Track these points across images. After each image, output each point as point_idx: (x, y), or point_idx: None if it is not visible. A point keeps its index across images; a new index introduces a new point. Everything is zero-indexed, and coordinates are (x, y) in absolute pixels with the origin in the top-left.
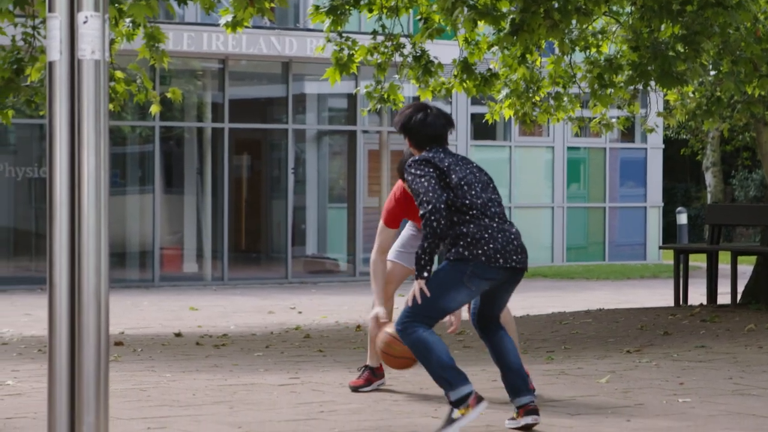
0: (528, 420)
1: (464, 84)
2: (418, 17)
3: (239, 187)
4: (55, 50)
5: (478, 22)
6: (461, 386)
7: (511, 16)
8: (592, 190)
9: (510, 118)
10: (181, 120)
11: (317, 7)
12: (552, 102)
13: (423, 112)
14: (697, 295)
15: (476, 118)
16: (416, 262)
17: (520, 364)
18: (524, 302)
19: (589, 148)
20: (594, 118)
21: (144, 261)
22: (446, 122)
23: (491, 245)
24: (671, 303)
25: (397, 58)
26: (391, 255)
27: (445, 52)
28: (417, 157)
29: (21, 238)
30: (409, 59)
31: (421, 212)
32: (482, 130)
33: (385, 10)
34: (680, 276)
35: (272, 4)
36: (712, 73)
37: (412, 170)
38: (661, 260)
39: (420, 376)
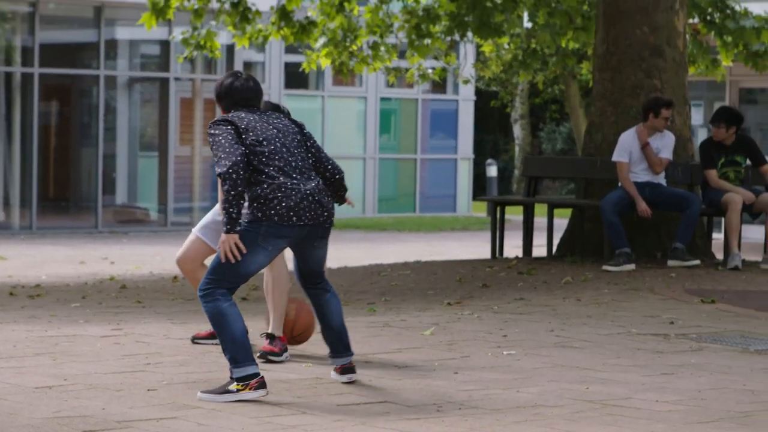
0: (344, 378)
1: (282, 31)
2: None
3: (48, 134)
4: None
5: None
6: (247, 366)
7: None
8: (402, 141)
9: (326, 67)
10: None
11: None
12: (369, 52)
13: (232, 78)
14: (511, 247)
15: (289, 67)
16: (225, 215)
17: (341, 325)
18: (338, 253)
19: (400, 99)
20: (410, 68)
21: None
22: (254, 87)
23: (284, 203)
24: (484, 255)
25: (214, 4)
26: (196, 229)
27: None
28: (216, 119)
29: None
30: (227, 5)
31: (218, 170)
32: (295, 78)
33: None
34: (497, 228)
35: None
36: (529, 25)
37: (210, 131)
38: (471, 212)
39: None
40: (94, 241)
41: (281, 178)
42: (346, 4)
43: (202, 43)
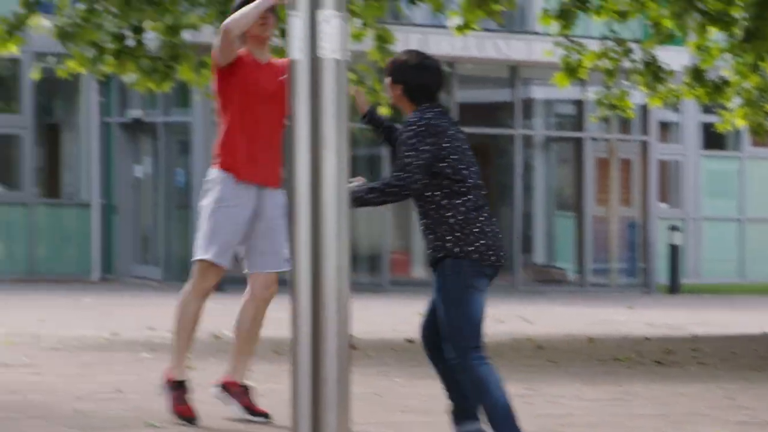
0: None
1: (695, 91)
2: (648, 22)
3: None
4: (297, 49)
5: (709, 28)
6: None
7: (744, 23)
8: None
9: (743, 127)
10: None
11: (546, 11)
12: None
13: (422, 59)
14: None
15: (707, 127)
16: (368, 195)
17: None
18: (763, 318)
19: None
20: None
21: (373, 264)
22: (443, 76)
23: (482, 241)
24: None
25: (626, 64)
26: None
27: (675, 58)
28: (421, 121)
29: None
30: (639, 65)
31: (396, 172)
32: (713, 139)
33: (614, 14)
34: None
35: (501, 7)
36: None
37: (412, 133)
38: None
39: (659, 392)
40: (512, 299)
41: (474, 213)
42: (761, 64)
43: (615, 102)
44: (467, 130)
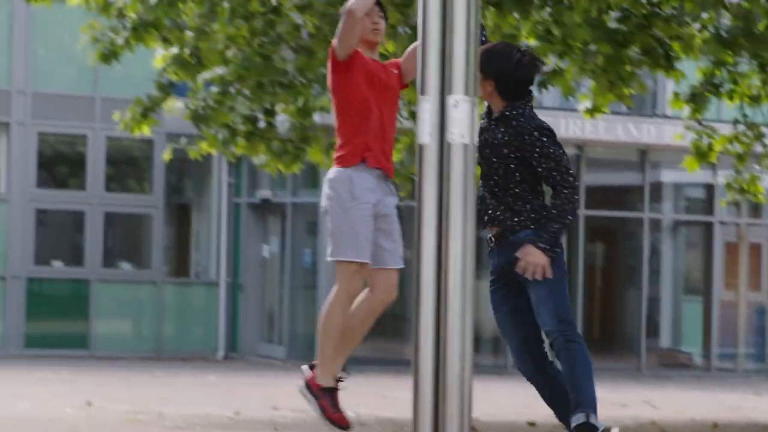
0: None
1: None
2: None
3: (593, 274)
4: (426, 133)
5: None
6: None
7: None
8: None
9: None
10: None
11: (677, 94)
12: None
13: (516, 53)
14: None
15: None
16: (559, 228)
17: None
18: None
19: None
20: None
21: (496, 346)
22: (539, 65)
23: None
24: None
25: (758, 148)
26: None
27: None
28: (543, 126)
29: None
30: None
31: (567, 185)
32: None
33: (746, 99)
34: None
35: (632, 91)
36: None
37: (552, 136)
38: None
39: None
40: (637, 383)
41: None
42: None
43: (745, 187)
44: (595, 212)
